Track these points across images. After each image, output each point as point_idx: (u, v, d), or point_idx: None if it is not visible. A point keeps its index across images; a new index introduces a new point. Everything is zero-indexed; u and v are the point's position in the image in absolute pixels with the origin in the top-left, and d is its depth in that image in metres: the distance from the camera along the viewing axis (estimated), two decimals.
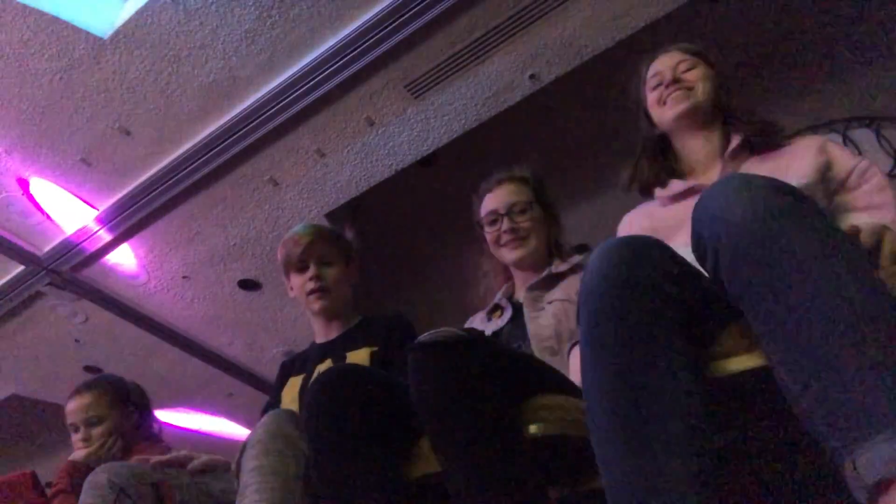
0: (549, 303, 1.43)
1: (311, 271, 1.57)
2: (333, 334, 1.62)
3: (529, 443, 0.97)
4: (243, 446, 1.20)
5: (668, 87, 1.34)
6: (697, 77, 1.34)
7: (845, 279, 0.66)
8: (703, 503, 0.66)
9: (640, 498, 0.67)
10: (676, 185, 1.31)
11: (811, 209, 0.73)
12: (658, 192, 1.34)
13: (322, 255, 1.60)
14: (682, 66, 1.36)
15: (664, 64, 1.38)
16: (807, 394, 0.65)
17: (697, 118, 1.32)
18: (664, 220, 1.30)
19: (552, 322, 1.38)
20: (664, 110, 1.35)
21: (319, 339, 1.65)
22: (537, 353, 1.34)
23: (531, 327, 1.40)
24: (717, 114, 1.34)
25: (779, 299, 0.68)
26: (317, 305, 1.59)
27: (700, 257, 0.80)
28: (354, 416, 1.05)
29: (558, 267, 1.48)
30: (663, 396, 0.71)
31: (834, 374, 0.63)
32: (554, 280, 1.47)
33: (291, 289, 1.65)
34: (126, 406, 1.84)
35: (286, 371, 1.67)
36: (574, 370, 1.20)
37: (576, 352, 1.23)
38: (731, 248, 0.73)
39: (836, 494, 0.62)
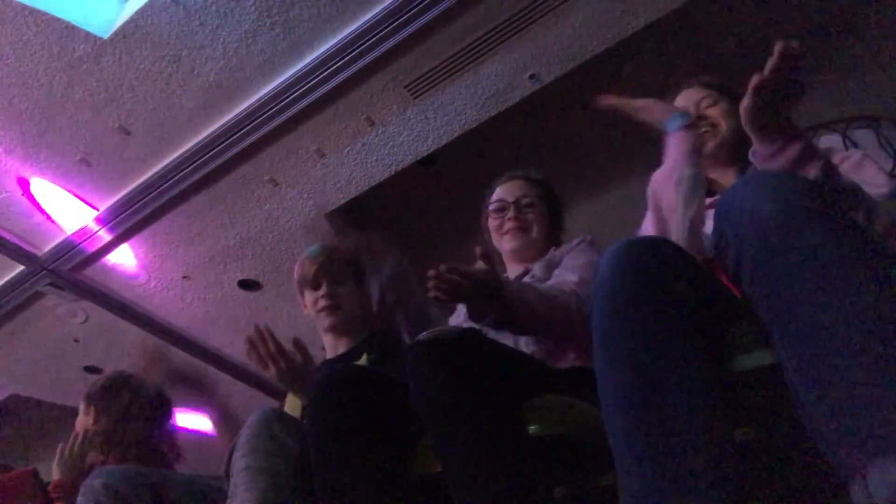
0: None
1: (324, 289, 1.62)
2: (342, 350, 1.64)
3: (531, 442, 0.97)
4: (233, 447, 1.21)
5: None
6: (720, 113, 1.36)
7: (872, 291, 0.65)
8: (724, 500, 0.65)
9: (659, 498, 0.66)
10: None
11: (842, 213, 0.72)
12: None
13: (335, 274, 1.64)
14: (705, 103, 1.38)
15: (688, 99, 1.41)
16: (821, 404, 0.63)
17: (722, 155, 1.35)
18: None
19: None
20: None
21: (329, 356, 1.67)
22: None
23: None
24: (742, 145, 1.33)
25: (801, 305, 0.67)
26: (327, 322, 1.62)
27: (720, 252, 0.79)
28: (355, 416, 1.05)
29: (531, 275, 1.49)
30: (680, 395, 0.70)
31: (852, 387, 0.61)
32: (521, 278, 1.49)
33: (305, 306, 1.69)
34: (89, 407, 1.81)
35: None
36: None
37: None
38: (757, 247, 0.72)
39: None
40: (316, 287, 1.64)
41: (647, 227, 1.22)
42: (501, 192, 1.59)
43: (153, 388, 1.95)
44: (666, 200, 1.16)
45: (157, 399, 1.94)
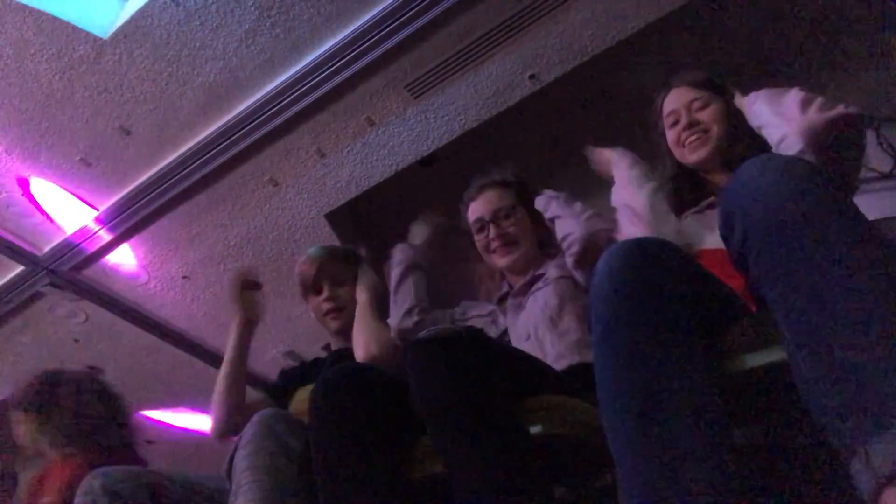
0: (532, 294, 1.45)
1: (325, 293, 1.61)
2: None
3: (531, 441, 0.97)
4: (235, 446, 1.21)
5: (686, 130, 1.36)
6: (712, 117, 1.35)
7: (878, 270, 0.65)
8: (723, 502, 0.65)
9: (658, 499, 0.66)
10: (705, 201, 1.35)
11: (849, 198, 0.73)
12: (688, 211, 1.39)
13: (335, 276, 1.64)
14: (696, 105, 1.37)
15: (678, 102, 1.40)
16: (825, 381, 0.63)
17: (718, 158, 1.35)
18: (686, 227, 1.33)
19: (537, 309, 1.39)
20: (684, 153, 1.38)
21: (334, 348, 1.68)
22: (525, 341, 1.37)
23: (516, 326, 1.42)
24: (735, 146, 1.34)
25: (807, 284, 0.67)
26: (334, 325, 1.63)
27: (727, 233, 0.79)
28: (356, 416, 1.05)
29: (538, 270, 1.49)
30: (679, 398, 0.70)
31: (858, 364, 0.61)
32: (531, 284, 1.49)
33: (312, 311, 1.70)
34: (27, 415, 1.70)
35: (289, 378, 1.67)
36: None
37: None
38: (763, 226, 0.72)
39: (853, 490, 0.61)
40: (317, 291, 1.65)
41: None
42: (477, 210, 1.57)
43: (86, 374, 1.87)
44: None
45: (99, 384, 1.86)
